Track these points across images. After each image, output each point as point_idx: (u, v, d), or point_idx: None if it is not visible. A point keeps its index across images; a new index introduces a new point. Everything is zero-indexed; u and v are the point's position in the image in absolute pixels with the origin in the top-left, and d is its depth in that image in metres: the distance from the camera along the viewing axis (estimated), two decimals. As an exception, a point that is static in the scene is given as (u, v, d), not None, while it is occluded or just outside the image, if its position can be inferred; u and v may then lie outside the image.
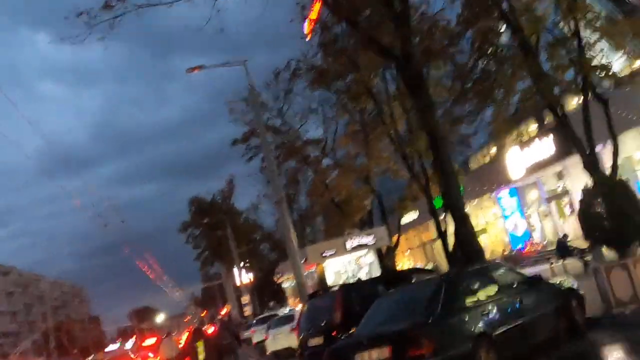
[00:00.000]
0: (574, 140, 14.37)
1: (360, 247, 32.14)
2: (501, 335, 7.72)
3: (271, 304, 63.64)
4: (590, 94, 14.18)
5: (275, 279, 40.74)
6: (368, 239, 31.90)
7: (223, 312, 65.41)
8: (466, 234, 13.69)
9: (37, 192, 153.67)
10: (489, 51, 17.90)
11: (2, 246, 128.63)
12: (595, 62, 13.97)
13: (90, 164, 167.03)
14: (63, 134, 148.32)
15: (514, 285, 8.89)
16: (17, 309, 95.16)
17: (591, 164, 13.77)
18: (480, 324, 7.61)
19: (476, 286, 8.47)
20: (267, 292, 59.45)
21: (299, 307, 22.37)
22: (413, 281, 11.45)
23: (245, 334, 29.54)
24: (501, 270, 9.49)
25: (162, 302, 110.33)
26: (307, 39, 24.16)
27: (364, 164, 28.06)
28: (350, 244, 31.80)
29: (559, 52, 14.29)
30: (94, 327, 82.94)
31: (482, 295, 8.31)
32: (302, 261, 30.77)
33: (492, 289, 8.51)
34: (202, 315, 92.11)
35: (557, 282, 10.20)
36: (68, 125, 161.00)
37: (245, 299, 44.12)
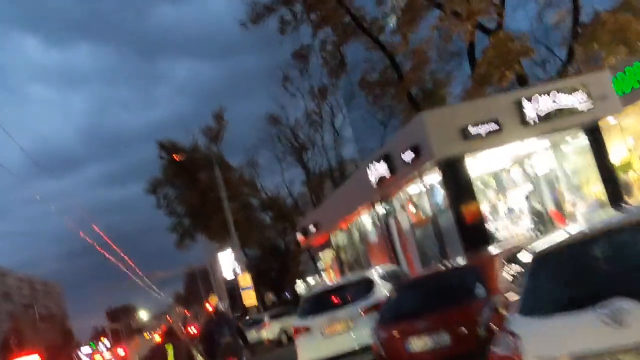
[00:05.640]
0: None
1: (557, 115, 13.07)
2: None
3: (270, 295, 49.29)
4: None
5: (300, 239, 24.99)
6: (574, 99, 13.16)
7: (209, 305, 50.93)
8: None
9: (22, 193, 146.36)
10: None
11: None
12: None
13: (77, 165, 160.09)
14: (50, 136, 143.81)
15: None
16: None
17: None
18: None
19: None
20: (267, 276, 45.18)
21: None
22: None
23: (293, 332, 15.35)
24: None
25: (151, 302, 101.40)
26: None
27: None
28: (533, 107, 12.82)
29: None
30: (51, 327, 68.46)
31: None
32: (372, 165, 15.68)
33: None
34: (187, 313, 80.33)
35: None
36: (56, 127, 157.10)
37: (246, 279, 26.81)
